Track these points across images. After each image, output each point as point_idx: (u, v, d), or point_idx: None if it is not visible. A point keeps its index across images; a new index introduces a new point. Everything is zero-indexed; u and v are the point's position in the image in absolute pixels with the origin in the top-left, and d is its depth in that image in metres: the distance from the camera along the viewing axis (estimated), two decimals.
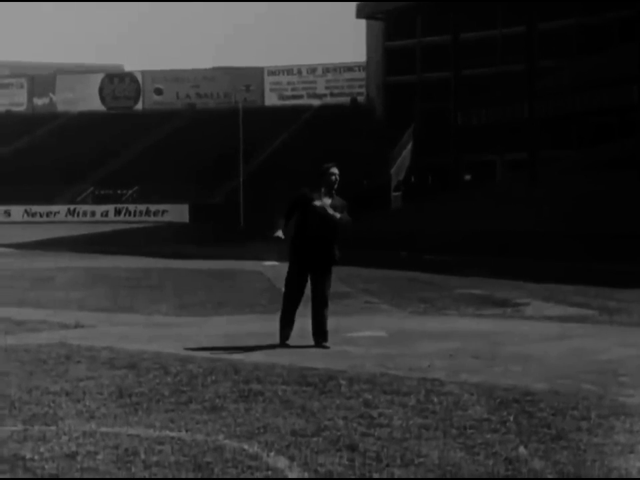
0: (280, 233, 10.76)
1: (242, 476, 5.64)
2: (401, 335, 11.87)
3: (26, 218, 60.59)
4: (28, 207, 61.46)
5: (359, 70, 71.17)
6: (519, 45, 52.53)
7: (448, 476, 5.65)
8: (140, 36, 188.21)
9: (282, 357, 9.86)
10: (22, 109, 78.88)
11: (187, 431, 6.67)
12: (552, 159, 48.55)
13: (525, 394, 7.86)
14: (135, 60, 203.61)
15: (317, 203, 10.75)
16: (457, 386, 8.22)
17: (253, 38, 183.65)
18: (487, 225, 34.22)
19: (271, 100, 73.52)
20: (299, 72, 73.48)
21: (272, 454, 6.05)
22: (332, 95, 72.04)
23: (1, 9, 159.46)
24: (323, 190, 10.80)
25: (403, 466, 5.81)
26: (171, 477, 5.63)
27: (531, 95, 45.82)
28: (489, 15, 59.67)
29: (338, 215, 10.72)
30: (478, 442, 6.34)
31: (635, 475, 5.73)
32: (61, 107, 77.87)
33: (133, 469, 5.74)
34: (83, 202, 63.14)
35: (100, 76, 78.55)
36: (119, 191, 62.97)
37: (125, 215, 60.44)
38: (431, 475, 5.66)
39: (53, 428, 6.75)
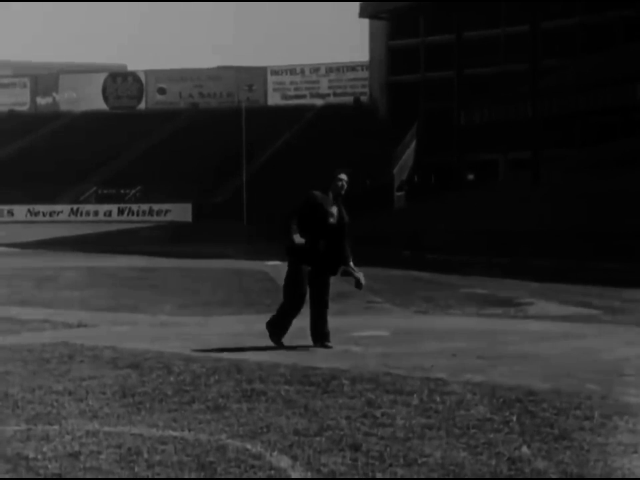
0: (299, 239, 10.55)
1: (245, 475, 5.63)
2: (404, 335, 11.87)
3: (29, 217, 60.66)
4: (31, 207, 61.52)
5: (362, 69, 71.16)
6: (522, 44, 52.50)
7: (451, 476, 5.64)
8: (143, 36, 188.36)
9: (285, 357, 9.85)
10: (25, 108, 78.94)
11: (189, 430, 6.67)
12: (555, 158, 48.52)
13: (528, 393, 7.85)
14: (138, 59, 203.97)
15: (332, 210, 10.66)
16: (460, 385, 8.21)
17: (255, 38, 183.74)
18: (490, 224, 34.19)
19: (274, 99, 73.53)
20: (302, 71, 73.47)
21: (275, 453, 6.04)
22: (335, 94, 72.03)
23: (4, 9, 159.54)
24: (330, 195, 10.74)
25: (405, 465, 5.80)
26: (173, 476, 5.63)
27: (534, 94, 45.76)
28: (492, 14, 59.68)
29: (357, 274, 10.76)
30: (481, 441, 6.33)
31: (638, 475, 5.72)
32: (63, 107, 77.91)
33: (136, 469, 5.74)
34: (86, 201, 63.19)
35: (103, 75, 78.59)
36: (122, 191, 63.02)
37: (128, 214, 60.50)
38: (434, 475, 5.65)
39: (56, 427, 6.75)
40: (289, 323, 10.70)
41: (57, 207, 61.97)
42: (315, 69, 73.20)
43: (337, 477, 5.63)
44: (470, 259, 28.77)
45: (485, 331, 12.32)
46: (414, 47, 66.02)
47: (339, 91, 72.05)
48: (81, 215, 61.31)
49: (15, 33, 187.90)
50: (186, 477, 5.62)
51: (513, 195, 41.68)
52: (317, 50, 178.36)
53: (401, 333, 12.05)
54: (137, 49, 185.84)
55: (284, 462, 5.87)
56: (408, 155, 62.17)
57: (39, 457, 5.97)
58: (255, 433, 6.57)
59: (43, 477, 5.64)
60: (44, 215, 61.24)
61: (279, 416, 7.08)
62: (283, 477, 5.64)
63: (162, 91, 76.40)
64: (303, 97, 72.90)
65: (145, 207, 60.66)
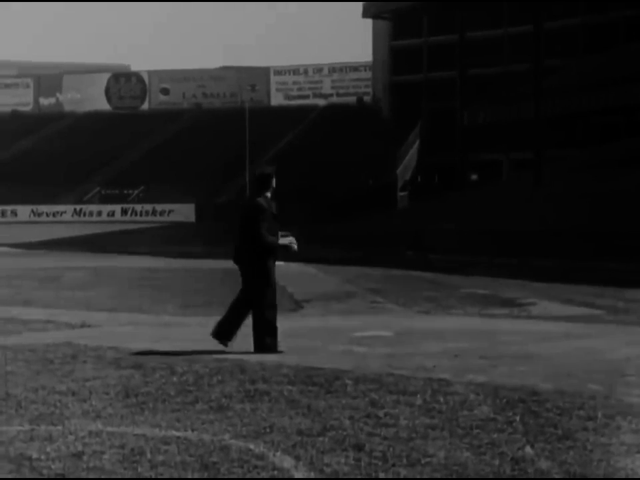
0: (274, 239, 10.50)
1: (248, 476, 5.63)
2: (406, 335, 11.86)
3: (32, 218, 60.71)
4: (34, 207, 61.58)
5: (365, 70, 71.18)
6: (525, 44, 52.47)
7: (454, 476, 5.64)
8: (146, 36, 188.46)
9: (288, 357, 9.86)
10: (28, 108, 79.00)
11: (193, 430, 6.67)
12: (558, 158, 48.50)
13: (531, 394, 7.85)
14: (141, 60, 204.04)
15: (273, 208, 10.60)
16: (463, 386, 8.21)
17: (259, 38, 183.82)
18: (493, 224, 34.17)
19: (277, 100, 73.55)
20: (305, 72, 73.49)
21: (278, 453, 6.05)
22: (338, 94, 72.05)
23: (7, 9, 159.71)
24: (269, 195, 10.61)
25: (409, 466, 5.80)
26: (177, 476, 5.63)
27: (537, 94, 45.73)
28: (495, 14, 59.70)
29: (295, 248, 10.67)
30: (484, 442, 6.33)
31: None
32: (67, 107, 77.98)
33: (139, 469, 5.74)
34: (90, 202, 63.26)
35: (106, 76, 78.65)
36: (125, 191, 63.08)
37: (131, 214, 60.56)
38: (437, 475, 5.65)
39: (60, 427, 6.76)
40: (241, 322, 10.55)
41: (60, 207, 62.03)
42: (318, 69, 73.21)
43: (340, 477, 5.63)
44: (472, 259, 28.75)
45: (487, 331, 12.32)
46: (417, 47, 66.03)
47: (342, 91, 72.06)
48: (84, 215, 61.37)
49: (18, 33, 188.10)
50: (189, 477, 5.62)
51: (516, 195, 41.65)
52: (320, 50, 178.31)
53: (403, 333, 12.04)
54: (140, 49, 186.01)
55: (287, 462, 5.88)
56: (411, 155, 62.18)
57: (42, 457, 5.97)
58: (258, 433, 6.57)
59: (46, 477, 5.64)
60: (47, 215, 61.30)
61: (282, 416, 7.08)
62: (286, 477, 5.64)
63: (165, 92, 76.43)
64: (306, 97, 72.92)
65: (148, 207, 60.71)
